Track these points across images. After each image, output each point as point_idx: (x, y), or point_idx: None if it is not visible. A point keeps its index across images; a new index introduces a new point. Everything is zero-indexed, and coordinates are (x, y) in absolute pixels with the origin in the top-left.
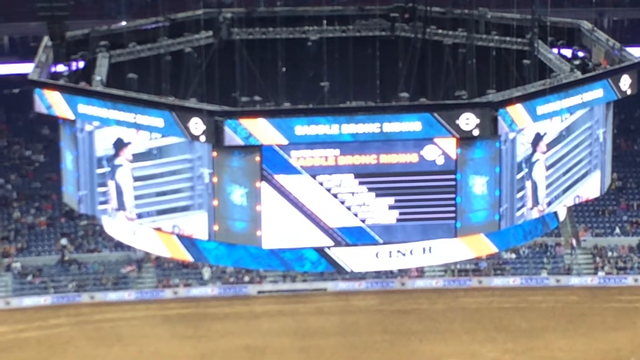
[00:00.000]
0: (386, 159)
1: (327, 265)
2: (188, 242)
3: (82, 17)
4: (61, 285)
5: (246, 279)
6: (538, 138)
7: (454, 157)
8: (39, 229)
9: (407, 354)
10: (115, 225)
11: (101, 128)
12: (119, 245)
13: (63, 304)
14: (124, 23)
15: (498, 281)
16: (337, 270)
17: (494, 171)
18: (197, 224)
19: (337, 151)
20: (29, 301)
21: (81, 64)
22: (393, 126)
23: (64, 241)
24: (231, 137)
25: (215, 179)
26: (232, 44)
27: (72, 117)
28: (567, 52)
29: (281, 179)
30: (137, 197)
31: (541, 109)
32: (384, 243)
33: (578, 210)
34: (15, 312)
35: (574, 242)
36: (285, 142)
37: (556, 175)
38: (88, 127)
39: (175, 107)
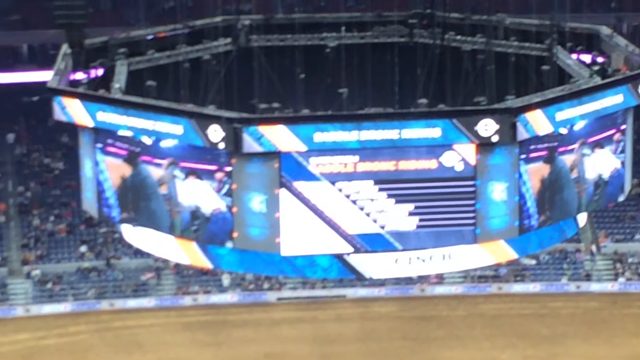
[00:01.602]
0: (405, 165)
1: (340, 271)
2: (204, 248)
3: (101, 25)
4: (81, 293)
5: (266, 285)
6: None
7: (473, 163)
8: (59, 237)
9: None
10: (134, 233)
11: None
12: (138, 253)
13: (83, 311)
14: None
15: (518, 287)
16: (355, 277)
17: (514, 177)
18: None
19: (356, 158)
20: (48, 308)
21: (100, 72)
22: (412, 132)
23: (83, 248)
24: (250, 144)
25: (234, 186)
26: (251, 50)
27: (91, 124)
28: (586, 58)
29: (300, 185)
30: None
31: (560, 115)
32: (403, 250)
33: (598, 216)
34: (35, 319)
35: (593, 248)
36: (304, 148)
37: None
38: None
39: (194, 114)
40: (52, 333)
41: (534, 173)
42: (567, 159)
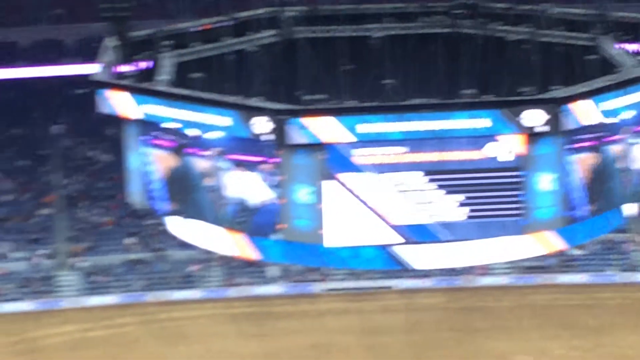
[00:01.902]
0: (451, 156)
1: (385, 262)
2: (251, 240)
3: (145, 18)
4: (127, 285)
5: (311, 277)
6: None
7: (520, 153)
8: (106, 229)
9: (473, 352)
10: (180, 225)
11: None
12: (184, 244)
13: (129, 303)
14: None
15: (565, 278)
16: (400, 268)
17: (560, 167)
18: None
19: (401, 148)
20: (95, 300)
21: (145, 64)
22: (457, 123)
23: (130, 240)
24: (295, 135)
25: (280, 178)
26: (295, 42)
27: (136, 117)
28: (633, 47)
29: (345, 177)
30: None
31: (605, 105)
32: (450, 240)
33: None
34: (82, 311)
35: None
36: (349, 140)
37: None
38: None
39: (239, 106)
40: (98, 325)
41: (580, 163)
42: (613, 149)
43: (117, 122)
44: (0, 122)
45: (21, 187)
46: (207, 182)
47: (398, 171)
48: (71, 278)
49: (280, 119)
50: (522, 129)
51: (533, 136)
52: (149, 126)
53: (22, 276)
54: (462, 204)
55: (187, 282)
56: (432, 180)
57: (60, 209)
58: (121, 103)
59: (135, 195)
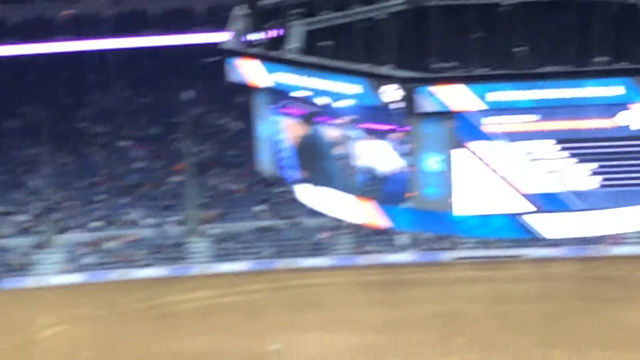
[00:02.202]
0: (582, 124)
1: (515, 231)
2: (380, 208)
3: None
4: (258, 252)
5: (441, 245)
6: None
7: None
8: (237, 196)
9: (605, 322)
10: (309, 193)
11: None
12: (314, 212)
13: (260, 270)
14: None
15: None
16: (530, 237)
17: None
18: None
19: (532, 117)
20: (226, 267)
21: (275, 33)
22: (590, 91)
23: (260, 208)
24: (425, 103)
25: (410, 146)
26: (425, 10)
27: (267, 85)
28: None
29: (475, 145)
30: None
31: None
32: (582, 209)
33: None
34: (215, 277)
35: None
36: (479, 108)
37: None
38: None
39: (369, 74)
40: (229, 291)
41: None
42: None
43: (246, 90)
44: (132, 90)
45: (153, 154)
46: (337, 150)
47: (529, 139)
48: (202, 245)
49: (409, 87)
50: None
51: None
52: (278, 95)
53: (153, 242)
54: (594, 173)
55: (317, 249)
56: (563, 149)
57: (191, 176)
58: (251, 71)
59: (265, 163)
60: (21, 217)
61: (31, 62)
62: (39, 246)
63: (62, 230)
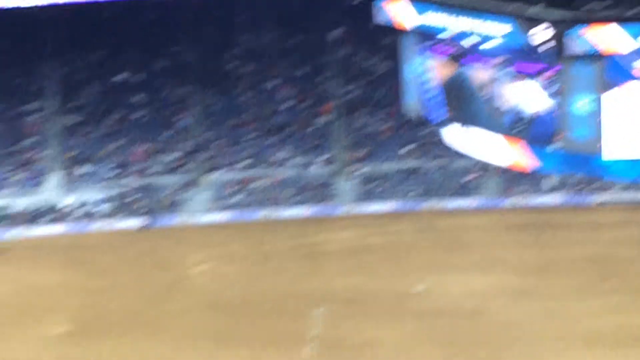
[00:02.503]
0: None
1: None
2: (528, 149)
3: None
4: (404, 192)
5: (590, 187)
6: None
7: None
8: (383, 137)
9: None
10: (456, 134)
11: None
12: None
13: (406, 211)
14: None
15: None
16: None
17: None
18: None
19: None
20: (372, 207)
21: None
22: None
23: (406, 149)
24: (575, 45)
25: (559, 88)
26: None
27: (413, 26)
28: None
29: (626, 87)
30: None
31: None
32: None
33: None
34: (360, 218)
35: None
36: (630, 49)
37: None
38: None
39: (519, 15)
40: (375, 231)
41: None
42: None
43: (393, 31)
44: (280, 31)
45: (300, 94)
46: (485, 90)
47: None
48: (348, 185)
49: (560, 28)
50: None
51: None
52: (426, 36)
53: (300, 183)
54: None
55: (464, 191)
56: None
57: (338, 117)
58: (399, 13)
59: (411, 104)
60: (171, 156)
61: (180, 2)
62: (188, 185)
63: (211, 169)
